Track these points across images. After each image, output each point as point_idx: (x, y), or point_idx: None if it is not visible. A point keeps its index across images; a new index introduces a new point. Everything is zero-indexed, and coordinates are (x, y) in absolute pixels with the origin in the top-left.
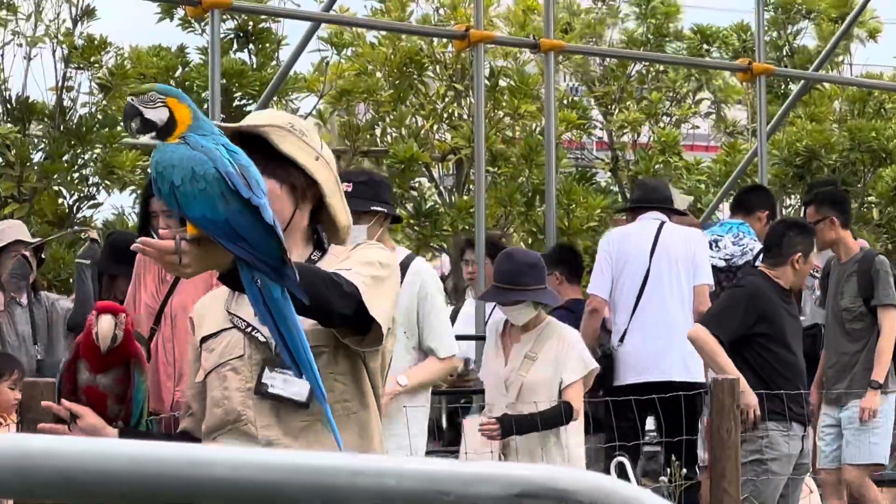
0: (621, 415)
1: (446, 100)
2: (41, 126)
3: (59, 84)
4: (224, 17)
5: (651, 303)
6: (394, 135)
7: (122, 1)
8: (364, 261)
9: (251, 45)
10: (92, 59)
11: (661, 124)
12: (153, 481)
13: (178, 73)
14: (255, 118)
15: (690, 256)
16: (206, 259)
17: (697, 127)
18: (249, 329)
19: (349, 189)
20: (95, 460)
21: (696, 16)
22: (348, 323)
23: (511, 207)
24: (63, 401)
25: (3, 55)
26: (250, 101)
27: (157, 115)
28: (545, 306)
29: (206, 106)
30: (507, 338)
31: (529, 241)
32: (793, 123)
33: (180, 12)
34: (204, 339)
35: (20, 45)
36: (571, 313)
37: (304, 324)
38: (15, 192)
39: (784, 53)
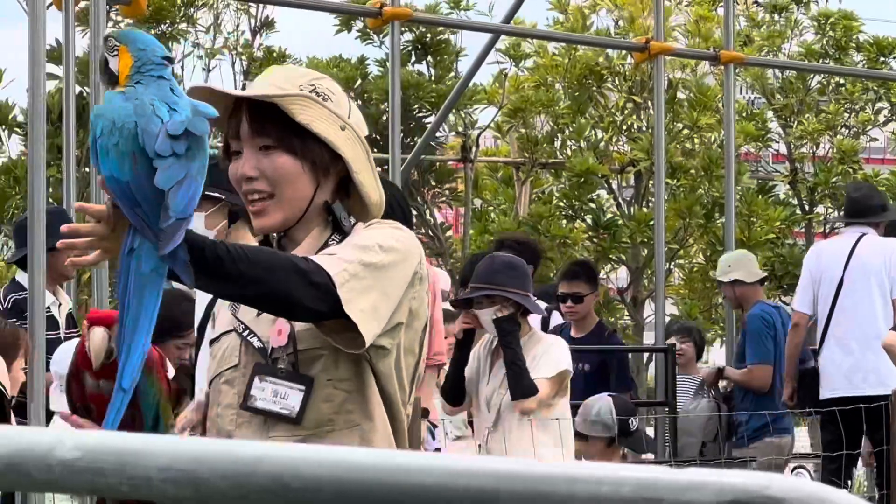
0: (825, 428)
1: (625, 112)
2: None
3: None
4: (403, 28)
5: (844, 316)
6: (572, 147)
7: (301, 13)
8: (359, 243)
9: (429, 57)
10: None
11: (840, 136)
12: (366, 488)
13: (357, 85)
14: (269, 81)
15: (887, 269)
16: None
17: (875, 139)
18: (246, 333)
19: None
20: (309, 466)
21: (874, 28)
22: (324, 318)
23: (690, 220)
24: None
25: (182, 67)
26: (428, 113)
27: (114, 63)
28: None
29: (385, 118)
30: (495, 355)
31: (709, 254)
32: None
33: (359, 24)
34: (211, 343)
35: (200, 58)
36: None
37: (296, 325)
38: None
39: None
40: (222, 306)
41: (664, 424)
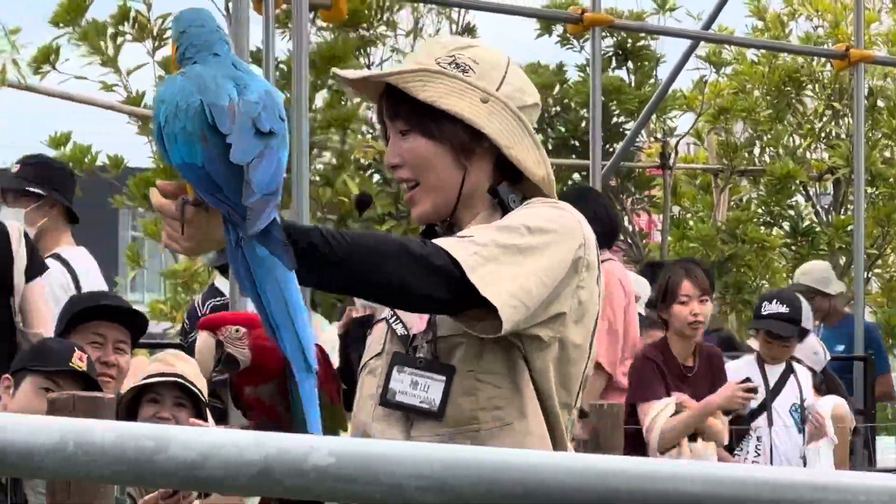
0: None
1: (824, 119)
2: None
3: None
4: (604, 34)
5: None
6: (771, 153)
7: (502, 18)
8: (502, 224)
9: (629, 63)
10: None
11: None
12: (619, 496)
13: (556, 91)
14: (409, 59)
15: None
16: (211, 231)
17: None
18: (393, 319)
19: (17, 170)
20: (554, 474)
21: None
22: (450, 307)
23: (889, 227)
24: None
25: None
26: (629, 119)
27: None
28: None
29: (584, 123)
30: None
31: None
32: None
33: (559, 29)
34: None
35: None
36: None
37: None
38: (392, 209)
39: None
40: None
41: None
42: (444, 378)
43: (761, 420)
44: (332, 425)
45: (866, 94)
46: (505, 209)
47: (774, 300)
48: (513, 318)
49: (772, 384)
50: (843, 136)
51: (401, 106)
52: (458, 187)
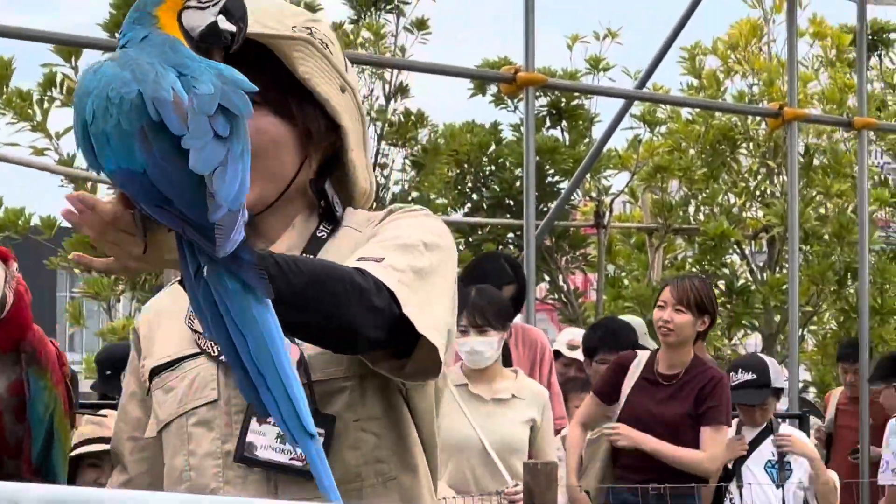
0: None
1: (759, 177)
2: None
3: (373, 161)
4: (537, 94)
5: None
6: (706, 212)
7: (435, 78)
8: (400, 242)
9: (564, 122)
10: (408, 136)
11: None
12: None
13: (490, 150)
14: (253, 17)
15: None
16: (160, 246)
17: None
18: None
19: None
20: None
21: None
22: (382, 346)
23: (823, 286)
24: None
25: None
26: (563, 178)
27: None
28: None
29: (519, 183)
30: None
31: (842, 320)
32: None
33: (493, 88)
34: (156, 371)
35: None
36: None
37: (307, 348)
38: None
39: None
40: (162, 316)
41: None
42: (322, 430)
43: (734, 483)
44: (63, 439)
45: (802, 153)
46: (327, 213)
47: (740, 369)
48: (446, 356)
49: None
50: (777, 194)
51: (259, 74)
52: (290, 180)
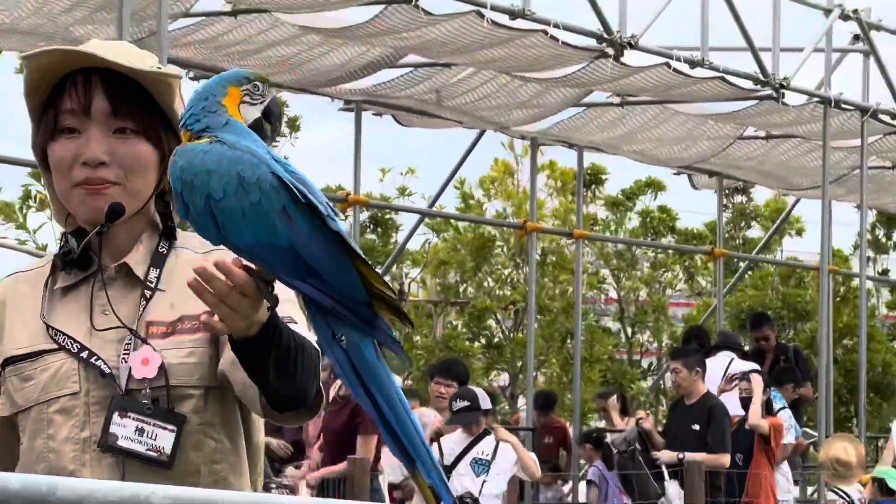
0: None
1: (509, 269)
2: None
3: None
4: (362, 210)
5: None
6: (473, 292)
7: None
8: (289, 297)
9: (378, 229)
10: None
11: (655, 288)
12: None
13: None
14: (115, 51)
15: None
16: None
17: (679, 291)
18: (86, 355)
19: None
20: None
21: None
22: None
23: (552, 343)
24: None
25: None
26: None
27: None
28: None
29: None
30: None
31: (563, 366)
32: (742, 290)
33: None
34: (11, 360)
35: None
36: None
37: (168, 357)
38: None
39: (739, 242)
40: (10, 305)
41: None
42: (174, 427)
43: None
44: None
45: (539, 253)
46: (164, 230)
47: (458, 398)
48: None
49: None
50: (522, 280)
51: (130, 104)
52: (149, 197)
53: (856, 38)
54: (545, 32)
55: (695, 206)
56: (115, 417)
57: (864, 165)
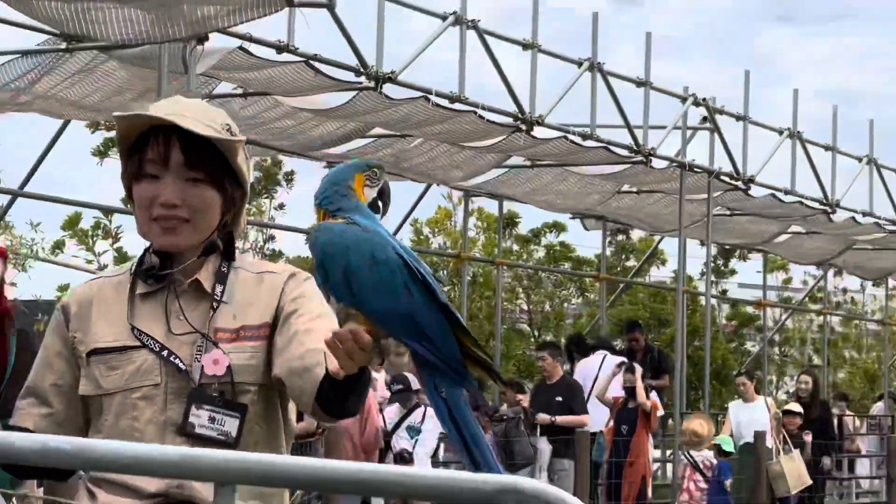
0: None
1: (448, 288)
2: None
3: None
4: None
5: None
6: None
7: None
8: (327, 310)
9: None
10: None
11: (554, 302)
12: None
13: None
14: (195, 117)
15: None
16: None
17: (574, 304)
18: (167, 354)
19: None
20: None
21: (579, 250)
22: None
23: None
24: None
25: None
26: None
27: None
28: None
29: None
30: None
31: None
32: (621, 305)
33: None
34: (97, 352)
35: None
36: None
37: (234, 359)
38: None
39: (619, 269)
40: (94, 304)
41: None
42: (238, 415)
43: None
44: None
45: (470, 276)
46: (224, 253)
47: (395, 382)
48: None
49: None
50: (456, 296)
51: (203, 160)
52: (214, 229)
53: (704, 119)
54: (475, 112)
55: (586, 242)
56: (193, 409)
57: (710, 213)
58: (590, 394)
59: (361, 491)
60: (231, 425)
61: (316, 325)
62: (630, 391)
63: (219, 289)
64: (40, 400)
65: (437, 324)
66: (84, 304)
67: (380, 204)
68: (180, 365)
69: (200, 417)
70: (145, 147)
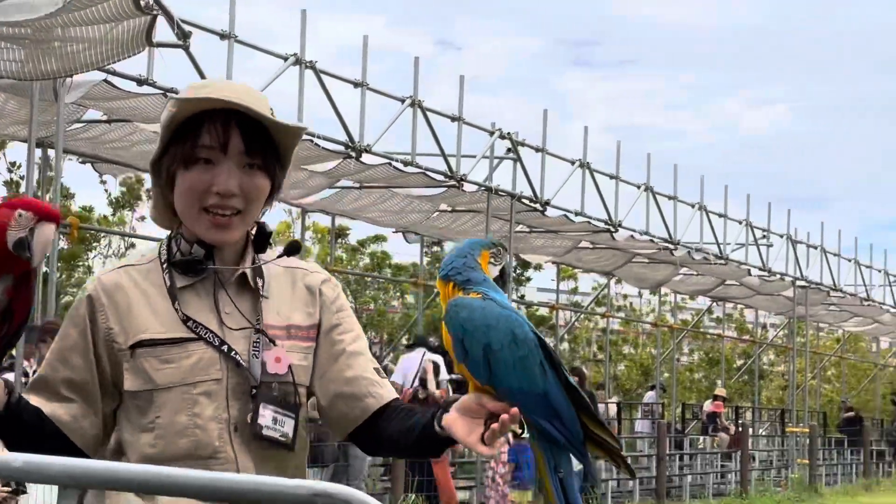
0: None
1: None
2: None
3: None
4: None
5: None
6: None
7: None
8: (360, 327)
9: None
10: None
11: (378, 303)
12: None
13: None
14: (254, 100)
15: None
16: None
17: (395, 304)
18: (226, 349)
19: None
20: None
21: (400, 258)
22: None
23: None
24: None
25: None
26: None
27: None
28: None
29: None
30: None
31: None
32: (437, 306)
33: None
34: (144, 343)
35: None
36: None
37: (293, 359)
38: None
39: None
40: (126, 292)
41: None
42: (294, 415)
43: None
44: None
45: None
46: (257, 244)
47: None
48: None
49: None
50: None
51: (264, 145)
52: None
53: (508, 150)
54: (311, 140)
55: (407, 252)
56: (261, 409)
57: (512, 230)
58: (412, 385)
59: (193, 496)
60: (289, 427)
61: (360, 347)
62: (424, 382)
63: (259, 282)
64: (47, 391)
65: (566, 404)
66: (115, 294)
67: (500, 281)
68: (240, 360)
69: (265, 417)
70: (197, 131)
